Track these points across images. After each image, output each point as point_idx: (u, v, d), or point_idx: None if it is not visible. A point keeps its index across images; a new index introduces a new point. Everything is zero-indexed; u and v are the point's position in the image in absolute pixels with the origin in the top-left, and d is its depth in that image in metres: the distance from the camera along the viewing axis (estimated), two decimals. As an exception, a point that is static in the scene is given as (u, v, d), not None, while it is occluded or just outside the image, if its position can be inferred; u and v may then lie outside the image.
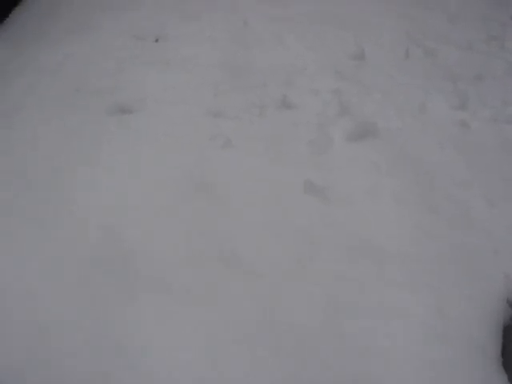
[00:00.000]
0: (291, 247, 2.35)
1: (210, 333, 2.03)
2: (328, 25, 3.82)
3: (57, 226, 2.37)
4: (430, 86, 3.35)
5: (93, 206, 2.47)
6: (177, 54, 3.49)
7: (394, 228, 2.47)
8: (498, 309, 2.21)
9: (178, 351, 1.98)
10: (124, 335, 2.00)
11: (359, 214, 2.51)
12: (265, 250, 2.33)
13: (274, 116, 3.05)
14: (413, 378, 1.94)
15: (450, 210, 2.57)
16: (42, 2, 4.15)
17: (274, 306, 2.12)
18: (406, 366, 1.98)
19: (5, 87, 3.21)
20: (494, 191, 2.68)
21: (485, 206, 2.59)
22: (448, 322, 2.13)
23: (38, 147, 2.79)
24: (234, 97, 3.16)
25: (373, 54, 3.57)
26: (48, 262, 2.22)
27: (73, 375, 1.88)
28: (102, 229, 2.36)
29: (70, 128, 2.90)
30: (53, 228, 2.36)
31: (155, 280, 2.19)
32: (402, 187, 2.65)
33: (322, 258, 2.31)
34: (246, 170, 2.69)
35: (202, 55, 3.48)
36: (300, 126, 2.97)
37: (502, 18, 3.99)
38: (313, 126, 2.97)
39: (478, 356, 2.05)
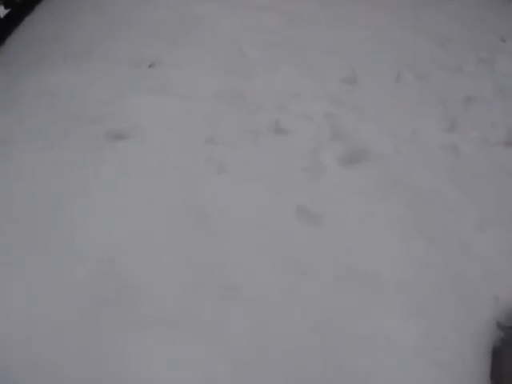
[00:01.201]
0: (284, 275, 2.38)
1: (205, 362, 2.06)
2: (321, 51, 3.88)
3: (53, 256, 2.39)
4: (422, 109, 3.41)
5: (89, 236, 2.49)
6: (171, 81, 3.53)
7: (386, 255, 2.51)
8: (487, 331, 2.25)
9: (171, 380, 2.01)
10: (120, 366, 2.03)
11: (351, 241, 2.55)
12: (258, 278, 2.36)
13: (268, 141, 3.09)
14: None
15: (441, 236, 2.61)
16: (37, 29, 4.19)
17: (266, 334, 2.16)
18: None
19: (1, 116, 3.24)
20: (485, 215, 2.73)
21: (476, 231, 2.64)
22: (438, 346, 2.18)
23: (34, 177, 2.79)
24: (228, 123, 3.20)
25: (365, 79, 3.62)
26: (44, 293, 2.24)
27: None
28: (99, 259, 2.39)
29: (66, 157, 2.90)
30: (49, 258, 2.38)
31: (150, 310, 2.22)
32: (394, 213, 2.70)
33: (314, 285, 2.35)
34: (239, 197, 2.73)
35: (197, 81, 3.53)
36: (293, 151, 3.02)
37: (491, 41, 4.05)
38: (306, 151, 3.02)
39: (467, 380, 2.08)
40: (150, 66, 3.72)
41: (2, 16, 4.19)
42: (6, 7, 4.27)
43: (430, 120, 3.29)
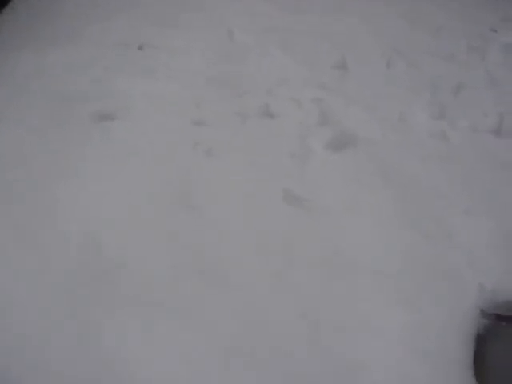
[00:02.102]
0: (270, 260, 2.37)
1: (189, 346, 2.05)
2: (312, 37, 3.84)
3: (38, 238, 2.37)
4: (412, 96, 3.39)
5: (74, 218, 2.48)
6: (161, 63, 3.50)
7: (372, 242, 2.50)
8: (471, 319, 2.25)
9: (156, 363, 1.99)
10: (103, 347, 2.02)
11: (338, 227, 2.54)
12: (244, 263, 2.35)
13: (256, 125, 3.08)
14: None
15: (427, 223, 2.61)
16: (26, 12, 4.13)
17: (251, 319, 2.15)
18: (387, 379, 2.02)
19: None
20: (473, 203, 2.72)
21: (462, 219, 2.63)
22: (424, 334, 2.17)
23: (20, 158, 2.78)
24: (216, 106, 3.18)
25: (356, 66, 3.60)
26: (27, 274, 2.23)
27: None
28: (83, 241, 2.37)
29: (53, 138, 2.89)
30: (33, 240, 2.36)
31: (135, 293, 2.21)
32: (381, 200, 2.69)
33: (300, 271, 2.34)
34: (227, 180, 2.72)
35: (186, 64, 3.50)
36: (281, 136, 3.00)
37: (482, 31, 4.04)
38: (294, 136, 3.00)
39: (453, 367, 2.09)
40: (140, 49, 3.69)
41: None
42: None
43: (419, 107, 3.28)
